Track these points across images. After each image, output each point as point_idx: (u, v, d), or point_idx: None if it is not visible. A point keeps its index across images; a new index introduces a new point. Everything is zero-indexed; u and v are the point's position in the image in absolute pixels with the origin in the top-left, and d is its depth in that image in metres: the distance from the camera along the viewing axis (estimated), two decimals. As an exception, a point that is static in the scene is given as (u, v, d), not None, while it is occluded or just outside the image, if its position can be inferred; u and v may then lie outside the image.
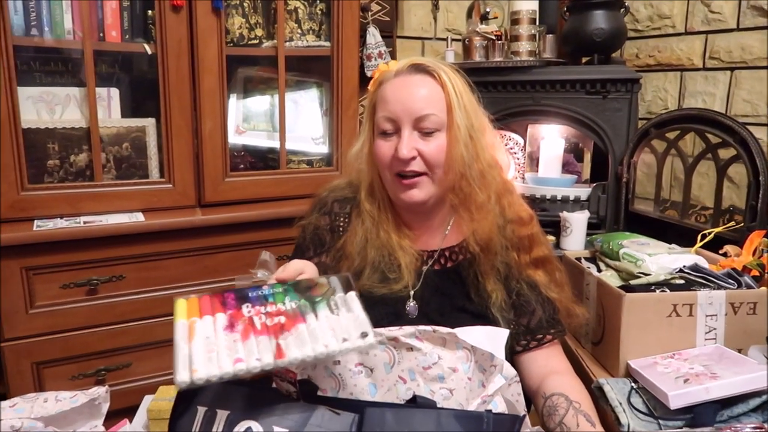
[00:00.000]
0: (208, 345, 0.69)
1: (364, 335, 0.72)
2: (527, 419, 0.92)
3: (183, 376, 0.65)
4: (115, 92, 1.56)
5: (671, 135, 1.83)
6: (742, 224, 1.55)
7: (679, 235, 1.62)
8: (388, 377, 0.85)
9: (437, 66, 1.01)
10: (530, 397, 1.06)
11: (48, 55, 1.51)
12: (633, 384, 1.05)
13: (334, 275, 0.83)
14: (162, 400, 1.18)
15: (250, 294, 0.77)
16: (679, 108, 1.98)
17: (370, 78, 2.02)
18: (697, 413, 0.95)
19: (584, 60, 2.07)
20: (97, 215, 1.49)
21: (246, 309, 0.75)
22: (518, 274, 1.07)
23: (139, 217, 1.49)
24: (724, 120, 1.63)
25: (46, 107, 1.48)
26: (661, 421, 0.96)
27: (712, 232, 1.36)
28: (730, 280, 1.14)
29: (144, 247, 1.49)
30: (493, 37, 2.05)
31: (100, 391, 1.03)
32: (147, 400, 1.27)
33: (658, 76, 2.08)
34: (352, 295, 0.78)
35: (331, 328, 0.73)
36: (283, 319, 0.73)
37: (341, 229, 1.11)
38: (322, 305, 0.77)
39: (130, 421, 1.01)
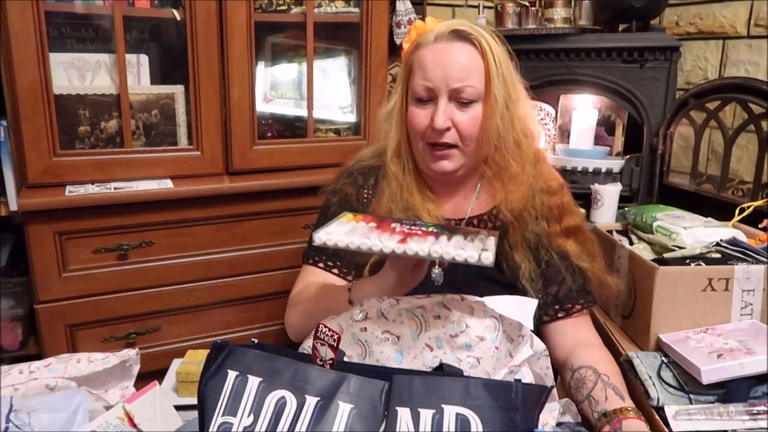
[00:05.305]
0: (348, 228, 0.83)
1: (484, 251, 0.76)
2: (554, 391, 0.91)
3: (321, 236, 0.79)
4: (144, 59, 1.56)
5: (711, 105, 1.76)
6: (784, 198, 1.49)
7: (715, 209, 1.57)
8: (415, 345, 0.84)
9: (479, 34, 0.98)
10: (557, 368, 1.05)
11: (79, 21, 1.51)
12: (663, 358, 1.03)
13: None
14: (190, 363, 1.20)
15: (403, 221, 0.89)
16: (720, 77, 1.91)
17: (399, 46, 1.99)
18: (730, 388, 0.93)
19: (621, 27, 2.00)
20: (127, 181, 1.50)
21: (393, 224, 0.86)
22: (548, 243, 1.06)
23: (168, 184, 1.50)
24: (769, 90, 1.57)
25: (77, 73, 1.48)
26: (692, 396, 0.95)
27: (751, 205, 1.32)
28: (769, 255, 1.11)
29: (173, 213, 1.50)
30: (527, 4, 1.99)
31: (131, 354, 1.04)
32: (176, 364, 1.30)
33: (699, 45, 2.00)
34: (492, 237, 0.83)
35: (459, 248, 0.77)
36: (419, 232, 0.83)
37: (366, 199, 1.11)
38: (459, 235, 0.83)
39: (160, 383, 1.02)
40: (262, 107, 1.74)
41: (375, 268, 1.04)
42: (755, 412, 0.88)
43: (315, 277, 1.11)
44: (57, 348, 1.43)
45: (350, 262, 1.10)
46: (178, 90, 1.58)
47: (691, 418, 0.90)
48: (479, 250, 0.76)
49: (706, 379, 0.93)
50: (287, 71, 1.80)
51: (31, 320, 1.53)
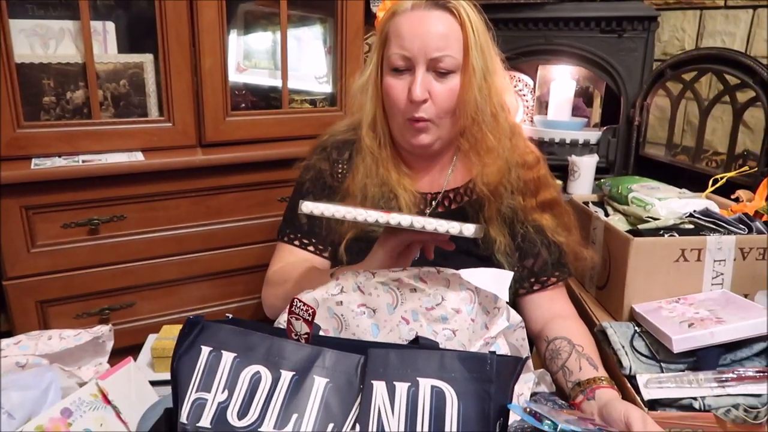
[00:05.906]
0: (336, 204, 0.84)
1: (464, 221, 0.78)
2: (529, 362, 0.92)
3: (307, 204, 0.82)
4: (111, 26, 1.50)
5: (687, 76, 1.76)
6: (756, 169, 1.51)
7: (690, 180, 1.59)
8: (391, 318, 0.84)
9: (457, 2, 0.96)
10: (533, 340, 1.06)
11: (40, -15, 1.45)
12: (636, 328, 1.05)
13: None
14: (165, 338, 1.19)
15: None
16: (696, 48, 1.91)
17: (375, 15, 1.95)
18: (700, 357, 0.95)
19: (600, -3, 1.98)
20: (96, 154, 1.45)
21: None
22: (524, 217, 1.05)
23: (138, 157, 1.46)
24: (745, 60, 1.57)
25: (39, 41, 1.42)
26: (663, 364, 0.96)
27: (724, 176, 1.33)
28: (741, 225, 1.12)
29: (144, 187, 1.46)
30: (505, -28, 1.95)
31: (104, 330, 1.03)
32: (151, 339, 1.29)
33: (676, 15, 1.99)
34: (476, 225, 0.83)
35: (441, 219, 0.78)
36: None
37: (340, 175, 1.09)
38: (442, 220, 0.81)
39: (135, 359, 1.01)
40: (235, 77, 1.70)
41: (351, 245, 1.03)
42: (724, 379, 0.90)
43: (291, 256, 1.10)
44: (28, 325, 1.40)
45: (326, 239, 1.09)
46: (147, 59, 1.53)
47: (662, 386, 0.92)
48: (460, 224, 0.77)
49: (677, 348, 0.94)
50: (261, 40, 1.75)
51: (0, 297, 1.50)
